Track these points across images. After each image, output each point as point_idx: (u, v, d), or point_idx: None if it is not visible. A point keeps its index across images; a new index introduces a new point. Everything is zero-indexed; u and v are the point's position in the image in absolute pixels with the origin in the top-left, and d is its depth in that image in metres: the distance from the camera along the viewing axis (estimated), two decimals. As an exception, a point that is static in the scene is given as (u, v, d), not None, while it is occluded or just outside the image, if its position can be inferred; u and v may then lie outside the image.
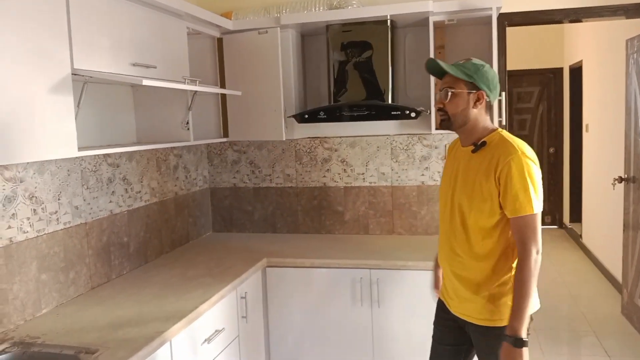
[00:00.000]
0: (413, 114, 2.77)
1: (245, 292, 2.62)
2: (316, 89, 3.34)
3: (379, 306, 2.76)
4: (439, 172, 3.22)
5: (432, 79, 2.81)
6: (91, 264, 2.42)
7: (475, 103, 1.89)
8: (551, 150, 7.32)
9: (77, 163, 2.35)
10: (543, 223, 7.85)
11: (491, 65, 2.75)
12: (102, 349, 1.76)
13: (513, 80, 6.80)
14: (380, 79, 2.97)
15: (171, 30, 2.56)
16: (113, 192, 2.59)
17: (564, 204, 7.25)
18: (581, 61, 6.15)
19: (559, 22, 3.32)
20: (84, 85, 2.06)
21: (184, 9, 2.54)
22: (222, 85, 3.20)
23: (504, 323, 1.83)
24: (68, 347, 1.80)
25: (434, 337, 2.17)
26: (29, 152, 1.70)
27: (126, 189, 2.69)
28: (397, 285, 2.73)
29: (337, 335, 2.84)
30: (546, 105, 7.33)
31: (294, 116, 3.00)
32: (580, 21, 3.33)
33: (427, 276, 2.58)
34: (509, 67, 3.41)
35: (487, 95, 1.90)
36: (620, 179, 4.05)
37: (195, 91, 2.66)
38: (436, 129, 2.85)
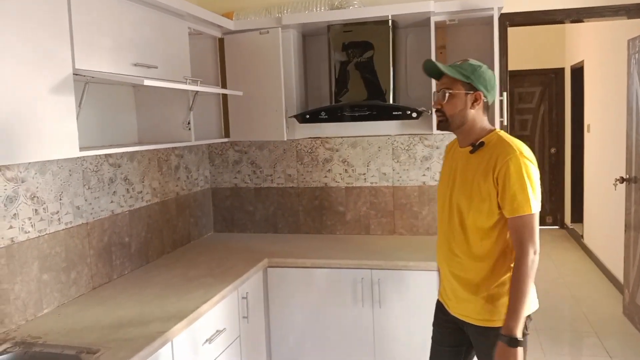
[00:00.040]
0: (414, 114, 2.77)
1: (247, 293, 2.62)
2: (317, 89, 3.34)
3: (380, 306, 2.76)
4: (440, 172, 3.22)
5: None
6: (92, 264, 2.42)
7: (472, 104, 1.89)
8: (552, 150, 7.31)
9: (79, 163, 2.35)
10: (544, 223, 7.85)
11: (492, 66, 2.75)
12: (104, 349, 1.76)
13: (514, 80, 6.80)
14: (382, 79, 2.96)
15: (172, 30, 2.56)
16: (114, 192, 2.59)
17: (565, 204, 7.24)
18: (583, 61, 6.14)
19: (561, 22, 3.32)
20: (85, 85, 2.06)
21: (186, 9, 2.54)
22: (224, 86, 3.20)
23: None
24: (69, 347, 1.80)
25: (433, 338, 2.17)
26: (31, 152, 1.70)
27: (127, 189, 2.69)
28: (399, 286, 2.73)
29: (338, 335, 2.84)
30: (547, 106, 7.33)
31: (295, 116, 3.00)
32: (581, 21, 3.33)
33: (428, 276, 2.59)
34: (510, 68, 3.41)
35: (485, 96, 1.90)
36: (622, 180, 4.05)
37: (197, 91, 2.66)
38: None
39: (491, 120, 2.81)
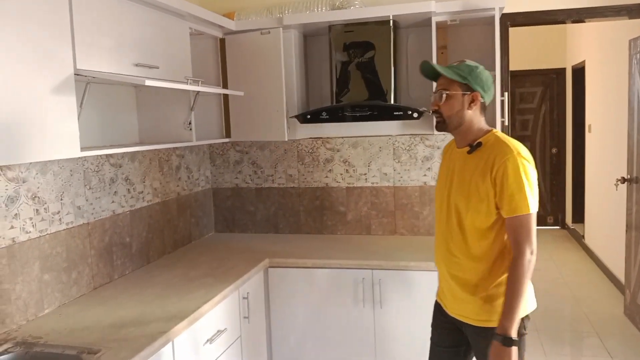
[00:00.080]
0: (415, 115, 2.77)
1: (248, 293, 2.62)
2: (318, 90, 3.34)
3: (381, 307, 2.76)
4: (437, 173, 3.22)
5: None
6: (93, 264, 2.42)
7: (470, 104, 1.90)
8: (554, 150, 7.31)
9: (80, 163, 2.35)
10: (546, 224, 7.84)
11: (494, 66, 2.76)
12: (105, 349, 1.76)
13: (515, 80, 6.80)
14: (383, 79, 2.96)
15: (174, 30, 2.56)
16: (115, 192, 2.59)
17: (566, 204, 7.24)
18: (584, 61, 6.14)
19: (562, 22, 3.32)
20: (86, 85, 2.06)
21: (187, 9, 2.54)
22: (225, 86, 3.20)
23: None
24: (70, 347, 1.80)
25: (432, 339, 2.17)
26: (32, 152, 1.70)
27: (128, 189, 2.69)
28: (400, 286, 2.73)
29: (339, 335, 2.84)
30: (549, 106, 7.32)
31: (296, 116, 3.00)
32: (583, 21, 3.32)
33: (429, 277, 2.58)
34: (512, 68, 3.41)
35: (482, 96, 1.91)
36: (623, 180, 4.04)
37: (198, 91, 2.66)
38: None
39: (492, 121, 2.81)
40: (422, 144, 3.23)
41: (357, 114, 2.89)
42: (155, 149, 2.88)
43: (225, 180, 3.58)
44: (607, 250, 5.31)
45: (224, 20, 2.98)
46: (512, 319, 1.76)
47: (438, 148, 3.21)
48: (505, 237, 1.86)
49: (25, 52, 1.67)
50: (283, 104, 3.03)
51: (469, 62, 1.93)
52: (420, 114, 2.77)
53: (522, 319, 1.89)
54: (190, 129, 2.71)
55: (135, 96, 2.77)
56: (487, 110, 2.90)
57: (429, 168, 3.24)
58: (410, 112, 2.78)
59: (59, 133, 1.80)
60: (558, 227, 7.36)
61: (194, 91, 2.67)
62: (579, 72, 6.42)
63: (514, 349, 1.76)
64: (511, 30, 3.22)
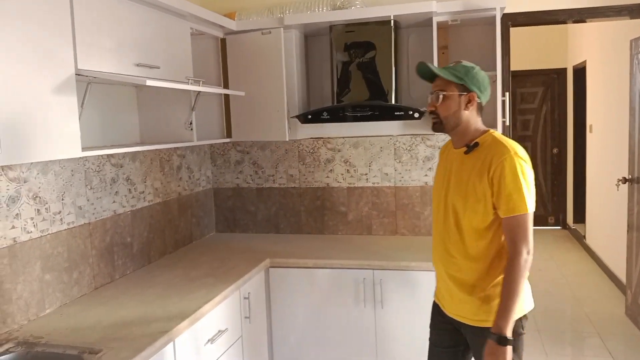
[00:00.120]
0: (416, 115, 2.77)
1: (249, 293, 2.62)
2: (319, 90, 3.34)
3: (382, 307, 2.76)
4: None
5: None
6: (95, 264, 2.43)
7: (466, 105, 1.91)
8: (555, 150, 7.30)
9: (81, 163, 2.35)
10: (547, 224, 7.82)
11: (495, 66, 2.76)
12: (106, 349, 1.76)
13: (516, 80, 6.79)
14: (384, 79, 2.96)
15: (175, 30, 2.56)
16: (116, 192, 2.59)
17: (567, 204, 7.23)
18: (585, 61, 6.13)
19: (563, 22, 3.31)
20: (87, 85, 2.07)
21: (188, 9, 2.54)
22: (226, 86, 3.20)
23: None
24: (72, 347, 1.80)
25: (430, 340, 2.18)
26: (33, 152, 1.70)
27: (129, 189, 2.69)
28: (401, 286, 2.73)
29: (340, 336, 2.84)
30: (550, 106, 7.32)
31: (297, 116, 3.00)
32: (584, 21, 3.32)
33: (430, 277, 2.57)
34: (513, 68, 3.41)
35: (478, 97, 1.91)
36: (624, 180, 4.04)
37: (199, 92, 2.66)
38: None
39: (493, 121, 2.81)
40: (423, 144, 3.23)
41: (358, 114, 2.89)
42: (156, 149, 2.88)
43: (226, 180, 3.58)
44: (608, 251, 5.31)
45: (225, 20, 2.98)
46: (507, 318, 1.77)
47: (439, 148, 3.21)
48: (503, 237, 1.87)
49: (26, 52, 1.67)
50: (284, 104, 3.03)
51: (465, 62, 1.94)
52: (421, 114, 2.77)
53: (520, 319, 1.90)
54: (191, 129, 2.71)
55: (136, 96, 2.77)
56: (488, 111, 2.91)
57: (430, 168, 3.24)
58: (411, 112, 2.78)
59: (60, 133, 1.81)
60: (559, 227, 7.35)
61: (194, 91, 2.67)
62: (580, 72, 6.41)
63: (509, 348, 1.77)
64: (512, 30, 3.22)
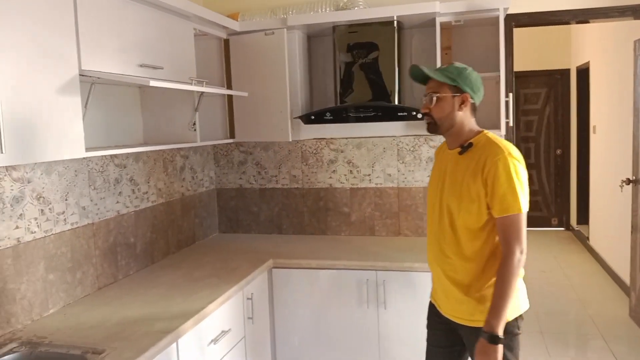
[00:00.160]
0: (419, 115, 2.77)
1: (252, 293, 2.62)
2: (322, 90, 3.34)
3: (385, 308, 2.75)
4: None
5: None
6: (98, 265, 2.43)
7: (460, 106, 1.92)
8: (558, 151, 7.28)
9: (85, 164, 2.36)
10: (550, 225, 7.80)
11: (498, 67, 2.75)
12: (109, 350, 1.76)
13: (520, 81, 6.77)
14: (387, 80, 2.96)
15: (178, 31, 2.56)
16: (120, 192, 2.59)
17: (571, 206, 7.21)
18: (588, 62, 6.12)
19: (567, 23, 3.31)
20: (91, 86, 2.07)
21: (191, 10, 2.55)
22: (229, 86, 3.21)
23: None
24: (75, 347, 1.80)
25: (427, 340, 2.18)
26: (37, 152, 1.71)
27: (133, 190, 2.70)
28: (404, 287, 2.72)
29: (343, 336, 2.83)
30: (553, 107, 7.30)
31: (300, 117, 3.00)
32: (587, 22, 3.31)
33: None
34: (516, 68, 3.40)
35: (472, 97, 1.93)
36: (628, 181, 4.03)
37: (202, 92, 2.66)
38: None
39: (497, 122, 2.81)
40: (427, 145, 3.23)
41: (361, 115, 2.89)
42: (160, 150, 2.89)
43: (229, 181, 3.59)
44: (612, 252, 5.29)
45: (228, 21, 2.98)
46: (499, 317, 1.78)
47: (442, 149, 3.21)
48: (497, 237, 1.88)
49: (30, 53, 1.67)
50: (287, 105, 3.03)
51: (457, 64, 1.96)
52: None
53: (516, 319, 1.91)
54: (195, 130, 2.72)
55: (140, 97, 2.78)
56: (491, 112, 2.91)
57: (433, 169, 3.23)
58: (414, 113, 2.78)
59: (64, 134, 1.81)
60: (562, 229, 7.33)
61: (198, 92, 2.67)
62: (584, 73, 6.40)
63: (500, 347, 1.78)
64: (515, 30, 3.21)
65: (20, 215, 2.01)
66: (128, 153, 2.63)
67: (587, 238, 6.31)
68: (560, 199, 7.28)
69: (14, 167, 1.98)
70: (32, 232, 2.06)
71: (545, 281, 5.17)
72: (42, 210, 2.11)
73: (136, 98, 2.76)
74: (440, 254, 2.00)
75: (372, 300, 2.77)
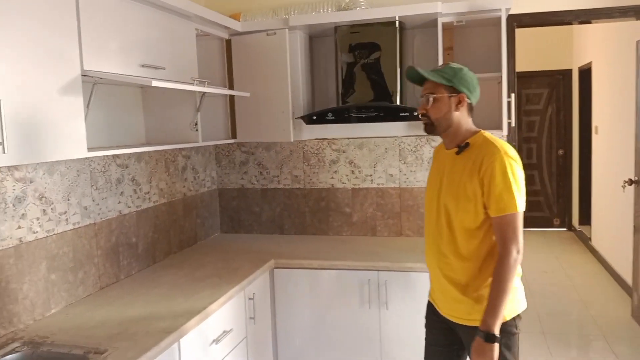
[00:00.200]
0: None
1: (253, 293, 2.62)
2: (324, 91, 3.34)
3: (387, 308, 2.75)
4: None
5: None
6: (100, 264, 2.43)
7: (456, 106, 1.93)
8: (560, 152, 7.27)
9: (87, 164, 2.36)
10: (552, 225, 7.79)
11: (500, 67, 2.75)
12: (111, 349, 1.76)
13: (522, 81, 6.77)
14: (389, 80, 2.96)
15: (180, 31, 2.57)
16: (122, 192, 2.60)
17: (573, 206, 7.20)
18: (590, 63, 6.11)
19: (569, 23, 3.30)
20: (93, 86, 2.07)
21: (193, 10, 2.55)
22: (231, 87, 3.21)
23: None
24: (77, 347, 1.80)
25: (426, 339, 2.20)
26: (39, 152, 1.71)
27: (135, 190, 2.70)
28: (406, 288, 2.72)
29: (344, 337, 2.83)
30: (555, 107, 7.29)
31: (302, 117, 3.00)
32: (589, 22, 3.31)
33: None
34: (518, 69, 3.40)
35: (468, 97, 1.94)
36: (630, 182, 4.02)
37: (204, 92, 2.66)
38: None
39: (499, 122, 2.81)
40: (428, 145, 3.23)
41: (363, 115, 2.89)
42: (162, 150, 2.89)
43: (231, 181, 3.59)
44: (614, 253, 5.28)
45: (230, 22, 2.98)
46: (496, 316, 1.79)
47: (444, 149, 3.20)
48: (495, 237, 1.88)
49: (32, 54, 1.67)
50: (289, 105, 3.03)
51: (453, 64, 1.98)
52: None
53: (514, 319, 1.92)
54: (197, 130, 2.72)
55: (142, 97, 2.78)
56: (493, 112, 2.91)
57: (434, 169, 3.23)
58: (416, 113, 2.76)
59: (66, 134, 1.81)
60: (564, 229, 7.32)
61: (200, 92, 2.67)
62: (586, 74, 6.39)
63: (496, 346, 1.79)
64: (517, 31, 3.21)
65: (23, 215, 2.01)
66: (130, 153, 2.63)
67: (589, 238, 6.30)
68: (562, 199, 7.27)
69: (16, 167, 1.98)
70: (34, 232, 2.07)
71: (547, 282, 5.17)
72: (44, 210, 2.12)
73: (138, 98, 2.76)
74: (438, 254, 2.01)
75: (374, 301, 2.76)
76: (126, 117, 2.67)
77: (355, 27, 2.98)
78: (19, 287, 1.99)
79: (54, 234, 2.16)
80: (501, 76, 2.77)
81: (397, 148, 3.28)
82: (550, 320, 4.22)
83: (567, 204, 7.26)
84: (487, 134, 1.95)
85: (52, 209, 2.16)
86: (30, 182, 2.05)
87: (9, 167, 1.95)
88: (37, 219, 2.08)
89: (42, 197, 2.11)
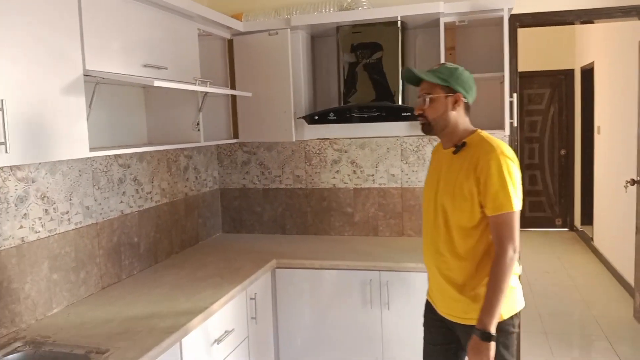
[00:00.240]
0: (422, 115, 2.76)
1: (255, 293, 2.62)
2: (326, 90, 3.34)
3: (389, 308, 2.75)
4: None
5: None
6: (102, 264, 2.43)
7: (453, 105, 1.94)
8: (562, 152, 7.26)
9: (89, 163, 2.36)
10: (554, 226, 7.78)
11: (502, 67, 2.75)
12: (113, 349, 1.76)
13: (524, 81, 6.77)
14: (391, 80, 2.96)
15: (182, 31, 2.57)
16: (124, 192, 2.60)
17: (575, 206, 7.19)
18: (592, 63, 6.10)
19: (571, 23, 3.29)
20: (95, 86, 2.08)
21: (195, 10, 2.55)
22: (233, 87, 3.21)
23: None
24: (79, 346, 1.80)
25: (424, 337, 2.20)
26: (42, 152, 1.71)
27: (137, 190, 2.70)
28: (408, 288, 2.72)
29: (346, 337, 2.83)
30: (557, 107, 7.28)
31: (303, 117, 3.00)
32: (592, 22, 3.30)
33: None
34: (520, 69, 3.39)
35: (464, 97, 1.95)
36: (633, 182, 4.02)
37: (206, 92, 2.66)
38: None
39: (501, 122, 2.81)
40: (430, 145, 3.22)
41: (365, 115, 2.89)
42: (164, 150, 2.89)
43: (232, 181, 3.59)
44: (616, 253, 5.27)
45: (232, 22, 2.98)
46: (492, 315, 1.80)
47: (446, 149, 3.20)
48: (491, 236, 1.89)
49: (34, 53, 1.68)
50: (291, 105, 3.03)
51: (449, 64, 1.99)
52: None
53: (512, 317, 1.93)
54: (199, 130, 2.72)
55: (144, 97, 2.78)
56: (495, 112, 2.90)
57: (436, 169, 3.23)
58: (413, 114, 2.77)
59: (68, 133, 1.81)
60: (566, 229, 7.31)
61: (202, 92, 2.67)
62: (588, 74, 6.38)
63: (492, 344, 1.80)
64: (520, 31, 3.20)
65: (25, 214, 2.02)
66: (132, 153, 2.64)
67: (591, 239, 6.29)
68: (564, 199, 7.26)
69: (18, 167, 1.99)
70: (36, 232, 2.07)
71: (549, 282, 5.16)
72: (46, 210, 2.12)
73: (140, 98, 2.77)
74: (435, 253, 2.02)
75: (376, 301, 2.76)
76: (128, 117, 2.67)
77: (357, 27, 2.98)
78: (21, 286, 1.99)
79: (56, 233, 2.17)
80: (503, 76, 2.77)
81: (399, 148, 3.27)
82: (552, 320, 4.22)
83: (569, 204, 7.25)
84: (484, 133, 1.96)
85: (54, 208, 2.16)
86: (33, 181, 2.06)
87: (11, 167, 1.95)
88: (39, 218, 2.09)
89: (44, 196, 2.11)
